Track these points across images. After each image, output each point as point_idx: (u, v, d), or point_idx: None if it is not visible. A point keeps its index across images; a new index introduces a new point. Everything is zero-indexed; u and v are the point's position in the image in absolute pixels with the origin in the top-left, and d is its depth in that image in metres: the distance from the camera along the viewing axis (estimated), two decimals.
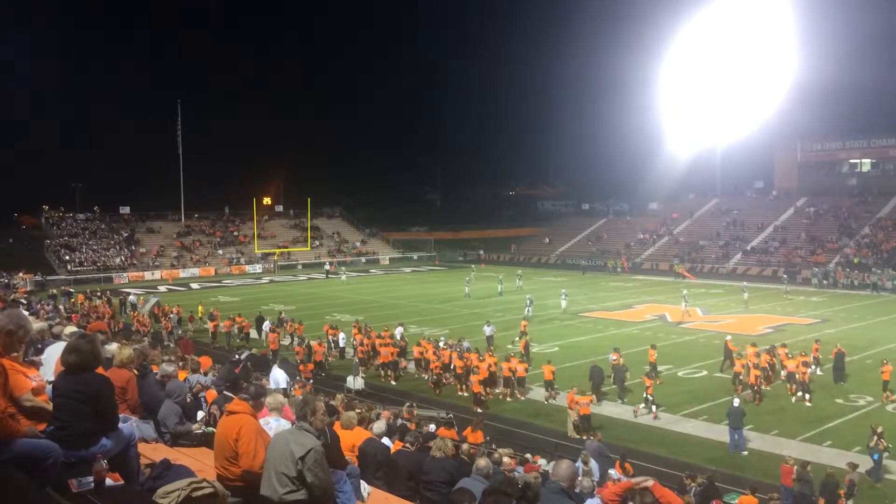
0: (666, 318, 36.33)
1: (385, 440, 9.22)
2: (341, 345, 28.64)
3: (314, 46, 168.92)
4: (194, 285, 58.21)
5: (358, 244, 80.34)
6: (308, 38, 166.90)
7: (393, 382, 24.75)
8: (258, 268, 69.07)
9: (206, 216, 79.98)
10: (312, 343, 26.29)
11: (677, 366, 25.75)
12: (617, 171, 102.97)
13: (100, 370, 5.08)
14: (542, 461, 13.25)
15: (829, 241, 59.03)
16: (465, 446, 10.18)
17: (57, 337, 9.22)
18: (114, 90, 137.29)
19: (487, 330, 28.79)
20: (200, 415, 8.11)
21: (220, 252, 71.88)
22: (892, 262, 51.47)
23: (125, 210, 75.26)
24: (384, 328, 28.33)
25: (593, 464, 13.73)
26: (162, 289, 54.44)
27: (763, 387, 22.17)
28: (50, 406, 4.80)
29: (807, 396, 21.14)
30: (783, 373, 22.52)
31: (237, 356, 21.70)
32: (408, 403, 17.48)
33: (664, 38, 70.11)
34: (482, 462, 7.48)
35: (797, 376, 21.53)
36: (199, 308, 37.36)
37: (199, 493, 4.46)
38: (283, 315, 33.80)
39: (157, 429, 7.01)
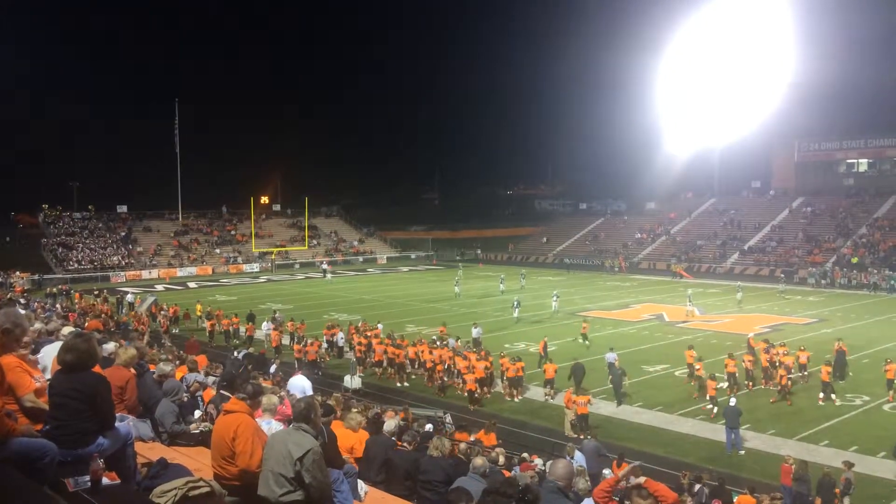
0: (663, 318, 36.36)
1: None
2: (339, 344, 28.63)
3: (313, 46, 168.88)
4: (192, 284, 58.16)
5: (356, 243, 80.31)
6: (307, 38, 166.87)
7: (399, 385, 24.54)
8: (255, 267, 69.05)
9: (203, 215, 79.91)
10: (309, 341, 26.32)
11: (674, 365, 25.77)
12: (615, 171, 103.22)
13: (96, 369, 5.08)
14: (538, 460, 13.27)
15: (827, 241, 59.11)
16: (462, 445, 10.19)
17: (51, 334, 9.23)
18: (112, 89, 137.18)
19: (475, 332, 28.65)
20: (197, 414, 8.11)
21: (218, 251, 71.81)
22: (889, 262, 51.56)
23: (122, 209, 75.13)
24: (374, 326, 28.80)
25: (578, 456, 13.86)
26: (159, 288, 54.38)
27: (762, 385, 22.27)
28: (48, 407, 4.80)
29: (833, 396, 21.15)
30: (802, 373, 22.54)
31: (235, 355, 21.72)
32: (403, 406, 17.48)
33: (663, 37, 70.22)
34: (479, 461, 7.49)
35: (814, 375, 21.60)
36: (198, 307, 37.32)
37: (196, 492, 4.46)
38: (277, 314, 33.75)
39: (154, 428, 7.01)
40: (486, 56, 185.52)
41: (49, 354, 5.96)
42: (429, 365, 24.11)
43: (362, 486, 6.75)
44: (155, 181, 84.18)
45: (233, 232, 76.93)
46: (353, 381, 23.11)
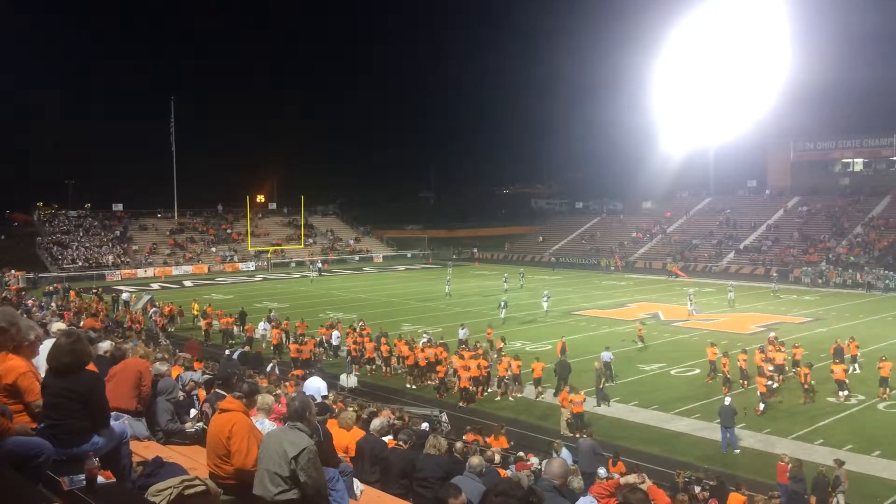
0: (659, 317, 36.41)
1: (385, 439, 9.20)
2: (335, 343, 28.61)
3: (310, 45, 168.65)
4: (187, 283, 58.08)
5: (352, 242, 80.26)
6: (304, 37, 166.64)
7: (408, 385, 24.40)
8: (252, 265, 68.96)
9: (199, 213, 79.77)
10: (307, 340, 26.35)
11: (670, 364, 25.83)
12: (611, 170, 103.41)
13: (91, 367, 5.07)
14: (534, 459, 13.28)
15: (822, 241, 59.25)
16: (458, 445, 10.18)
17: (43, 330, 9.18)
18: (107, 87, 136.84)
19: (462, 333, 28.61)
20: (193, 412, 8.09)
21: (214, 250, 71.69)
22: (884, 262, 51.70)
23: (118, 207, 75.01)
24: (362, 326, 29.19)
25: (565, 452, 13.97)
26: (155, 286, 54.28)
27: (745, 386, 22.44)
28: None
29: (845, 393, 21.18)
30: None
31: (228, 353, 21.69)
32: (398, 406, 17.52)
33: (659, 37, 70.44)
34: (475, 460, 7.48)
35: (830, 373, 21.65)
36: (194, 305, 37.19)
37: (192, 490, 4.45)
38: (272, 313, 33.66)
39: (149, 426, 6.99)
40: (483, 55, 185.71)
41: (42, 353, 5.95)
42: (410, 361, 24.35)
43: (358, 484, 6.75)
44: (151, 180, 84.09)
45: (229, 230, 76.80)
46: (349, 381, 23.08)
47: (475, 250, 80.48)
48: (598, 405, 21.00)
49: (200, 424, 7.29)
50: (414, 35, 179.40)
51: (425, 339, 25.86)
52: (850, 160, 72.54)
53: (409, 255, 79.32)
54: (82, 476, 4.33)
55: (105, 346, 8.56)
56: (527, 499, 4.55)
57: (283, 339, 28.83)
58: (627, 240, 71.88)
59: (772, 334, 26.86)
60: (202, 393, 9.32)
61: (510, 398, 22.40)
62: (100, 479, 4.42)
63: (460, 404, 21.46)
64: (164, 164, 74.74)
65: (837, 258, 54.70)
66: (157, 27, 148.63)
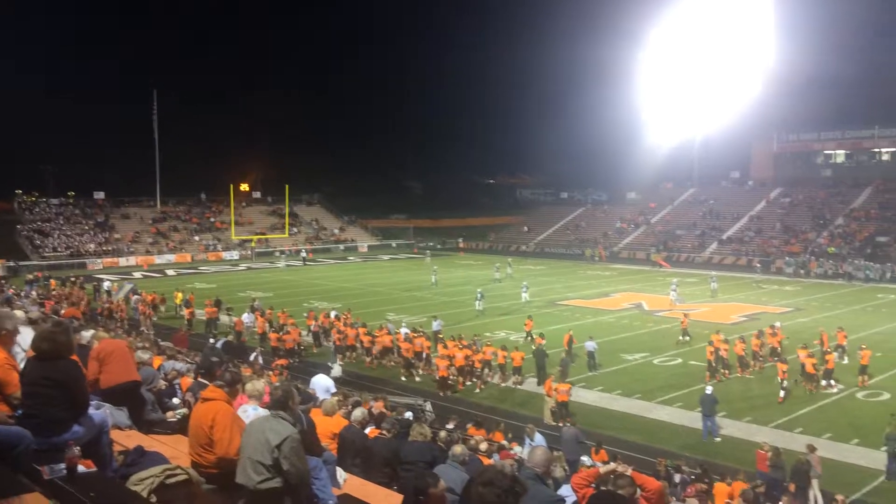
0: (643, 307, 36.63)
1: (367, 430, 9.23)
2: (318, 332, 28.54)
3: (294, 34, 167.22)
4: (170, 272, 57.69)
5: (336, 231, 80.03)
6: (288, 26, 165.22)
7: (404, 378, 24.12)
8: (235, 255, 68.60)
9: (182, 202, 79.14)
10: (290, 329, 26.27)
11: (653, 353, 26.02)
12: (595, 161, 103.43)
13: (74, 358, 5.03)
14: (518, 448, 13.36)
15: (804, 231, 59.78)
16: (441, 434, 10.21)
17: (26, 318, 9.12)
18: (89, 74, 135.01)
19: (435, 325, 28.45)
20: (175, 401, 8.07)
21: (197, 238, 71.21)
22: (865, 252, 52.28)
23: (100, 195, 74.23)
24: (345, 314, 29.34)
25: (538, 438, 14.14)
26: (137, 275, 53.83)
27: (739, 374, 22.68)
28: None
29: (832, 383, 21.40)
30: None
31: (212, 342, 21.60)
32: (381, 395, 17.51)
33: (643, 28, 70.47)
34: (458, 449, 7.51)
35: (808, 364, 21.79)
36: (178, 295, 36.91)
37: (174, 479, 4.45)
38: (255, 302, 33.52)
39: (130, 415, 6.96)
40: (467, 46, 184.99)
41: (21, 342, 5.89)
42: (407, 353, 24.27)
43: (341, 473, 6.76)
44: (133, 167, 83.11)
45: (212, 219, 76.28)
46: (333, 370, 23.06)
47: (460, 240, 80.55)
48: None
49: (183, 410, 7.26)
50: (399, 24, 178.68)
51: (405, 329, 26.05)
52: (833, 152, 73.15)
53: (393, 245, 79.23)
54: (63, 465, 4.31)
55: (87, 335, 8.50)
56: (512, 488, 4.57)
57: (268, 328, 28.72)
58: (612, 230, 72.14)
59: (777, 323, 27.07)
60: (185, 382, 9.29)
61: (501, 384, 22.68)
62: (80, 468, 4.39)
63: (441, 394, 21.59)
64: (147, 152, 74.07)
65: (819, 249, 55.25)
66: (139, 13, 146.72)
